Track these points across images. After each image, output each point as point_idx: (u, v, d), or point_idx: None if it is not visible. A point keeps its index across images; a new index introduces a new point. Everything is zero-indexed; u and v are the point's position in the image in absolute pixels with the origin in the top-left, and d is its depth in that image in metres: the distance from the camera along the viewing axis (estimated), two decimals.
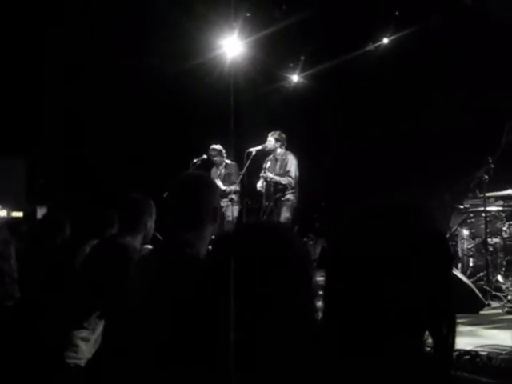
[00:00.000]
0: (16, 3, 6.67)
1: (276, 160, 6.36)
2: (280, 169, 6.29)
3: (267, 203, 6.30)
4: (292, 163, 6.26)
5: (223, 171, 6.80)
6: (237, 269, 0.96)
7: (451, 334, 0.87)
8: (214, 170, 6.84)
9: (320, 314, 0.97)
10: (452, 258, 0.94)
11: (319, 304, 0.98)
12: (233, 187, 6.55)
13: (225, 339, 0.96)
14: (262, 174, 6.36)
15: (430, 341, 0.88)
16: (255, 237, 1.04)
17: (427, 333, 0.88)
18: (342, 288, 0.89)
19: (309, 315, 1.02)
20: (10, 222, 6.66)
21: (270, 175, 6.28)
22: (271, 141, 6.29)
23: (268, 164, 6.38)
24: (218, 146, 6.73)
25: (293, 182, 6.22)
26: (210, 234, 1.82)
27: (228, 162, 6.80)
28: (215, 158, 6.73)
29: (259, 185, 6.42)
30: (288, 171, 6.23)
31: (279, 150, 6.35)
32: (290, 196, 6.21)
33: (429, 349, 0.88)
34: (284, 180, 6.20)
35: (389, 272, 0.85)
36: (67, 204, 6.26)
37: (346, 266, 0.89)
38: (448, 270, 0.90)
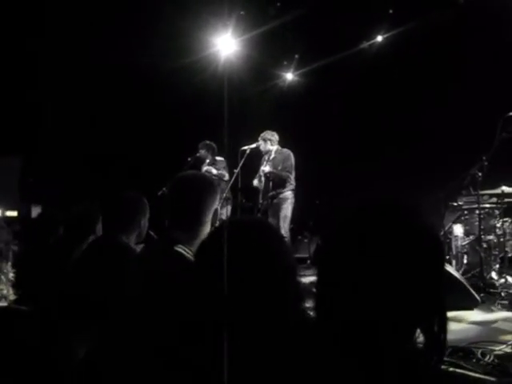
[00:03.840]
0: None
1: (273, 158, 6.37)
2: (278, 165, 6.29)
3: (263, 201, 6.30)
4: (289, 159, 6.27)
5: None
6: (220, 265, 0.97)
7: (442, 332, 0.87)
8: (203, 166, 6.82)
9: (311, 312, 0.97)
10: (443, 255, 0.94)
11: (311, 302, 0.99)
12: (221, 172, 6.55)
13: (215, 334, 0.97)
14: (261, 168, 6.35)
15: (421, 338, 0.88)
16: (235, 234, 1.05)
17: (419, 330, 0.88)
18: (334, 285, 0.90)
19: (296, 310, 1.03)
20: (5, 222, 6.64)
21: (268, 169, 6.27)
22: (262, 143, 6.30)
23: (265, 163, 6.37)
24: (208, 142, 6.75)
25: (291, 176, 6.22)
26: (205, 234, 1.83)
27: (217, 158, 6.79)
28: (201, 151, 6.73)
29: (256, 182, 6.42)
30: (285, 167, 6.23)
31: (274, 148, 6.35)
32: (288, 193, 6.21)
33: (420, 346, 0.88)
34: (284, 174, 6.21)
35: (379, 269, 0.85)
36: (59, 202, 6.23)
37: (337, 263, 0.90)
38: (439, 267, 0.90)
